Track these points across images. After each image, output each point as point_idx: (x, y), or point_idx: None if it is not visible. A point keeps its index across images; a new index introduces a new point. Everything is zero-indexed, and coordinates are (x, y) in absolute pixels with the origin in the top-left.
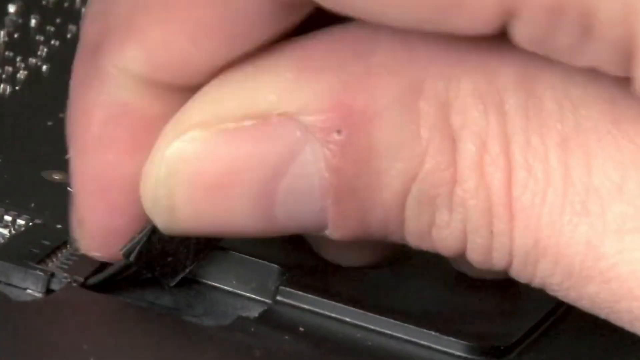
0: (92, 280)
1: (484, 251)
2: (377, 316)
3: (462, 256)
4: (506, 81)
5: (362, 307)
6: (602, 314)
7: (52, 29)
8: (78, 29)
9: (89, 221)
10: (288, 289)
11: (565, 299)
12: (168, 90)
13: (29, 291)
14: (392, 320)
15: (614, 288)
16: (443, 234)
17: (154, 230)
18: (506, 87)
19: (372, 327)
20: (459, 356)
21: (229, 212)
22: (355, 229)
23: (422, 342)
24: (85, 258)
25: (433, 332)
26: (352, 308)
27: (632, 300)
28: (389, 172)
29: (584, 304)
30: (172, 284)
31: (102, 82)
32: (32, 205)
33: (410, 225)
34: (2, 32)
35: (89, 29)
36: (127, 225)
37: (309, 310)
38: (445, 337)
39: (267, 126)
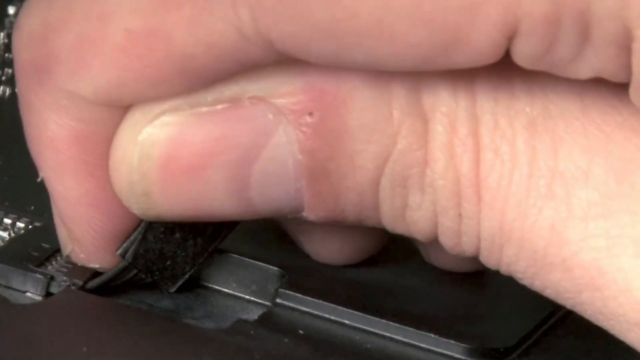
0: (91, 284)
1: (454, 235)
2: (377, 319)
3: (434, 241)
4: None
5: (361, 310)
6: (568, 304)
7: None
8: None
9: (85, 239)
10: (287, 291)
11: (532, 287)
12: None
13: (28, 294)
14: (391, 323)
15: (576, 277)
16: (415, 216)
17: (148, 227)
18: (477, 69)
19: (372, 329)
20: (458, 358)
21: (205, 195)
22: (330, 211)
23: (422, 345)
24: None
25: (432, 335)
26: (351, 310)
27: (593, 291)
28: (362, 153)
29: (550, 294)
30: (172, 289)
31: (59, 107)
32: (32, 208)
33: (385, 208)
34: (2, 34)
35: (27, 50)
36: (125, 231)
37: (308, 313)
38: (445, 340)
39: (239, 109)
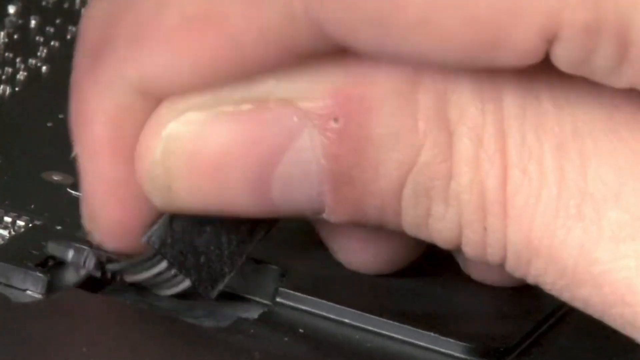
0: (113, 267)
1: (478, 246)
2: (376, 317)
3: (458, 249)
4: (505, 78)
5: (361, 309)
6: (596, 316)
7: (52, 29)
8: (78, 30)
9: (102, 218)
10: (287, 290)
11: (560, 297)
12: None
13: (28, 292)
14: (391, 322)
15: (606, 294)
16: (438, 226)
17: (174, 216)
18: (505, 85)
19: (372, 328)
20: (458, 357)
21: (225, 193)
22: (351, 215)
23: (422, 344)
24: None
25: (432, 334)
26: (351, 309)
27: (624, 307)
28: (385, 162)
29: (578, 305)
30: (213, 295)
31: (105, 88)
32: (32, 206)
33: (407, 216)
34: (2, 33)
35: (90, 33)
36: (142, 219)
37: (308, 312)
38: (445, 339)
39: (265, 111)
